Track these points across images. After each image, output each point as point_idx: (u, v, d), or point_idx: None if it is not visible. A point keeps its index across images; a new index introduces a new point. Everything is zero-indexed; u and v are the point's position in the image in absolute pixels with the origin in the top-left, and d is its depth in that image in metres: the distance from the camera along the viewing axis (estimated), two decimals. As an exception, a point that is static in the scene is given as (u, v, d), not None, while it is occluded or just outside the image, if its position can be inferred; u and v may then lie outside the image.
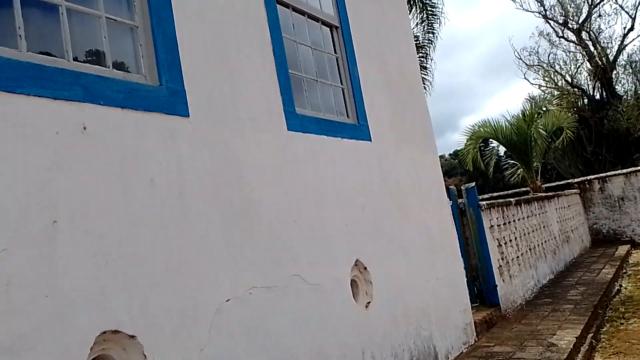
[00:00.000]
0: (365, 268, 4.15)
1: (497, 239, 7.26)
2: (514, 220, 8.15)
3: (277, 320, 3.17)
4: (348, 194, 4.17)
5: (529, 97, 25.34)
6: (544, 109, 16.80)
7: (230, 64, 3.35)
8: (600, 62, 29.40)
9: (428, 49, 13.28)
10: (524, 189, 14.83)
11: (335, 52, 4.62)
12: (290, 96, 3.77)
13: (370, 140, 4.66)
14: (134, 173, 2.57)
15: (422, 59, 12.94)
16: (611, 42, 29.88)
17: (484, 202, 7.10)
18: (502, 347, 5.35)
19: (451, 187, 7.05)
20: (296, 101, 3.88)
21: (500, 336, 5.79)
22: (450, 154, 47.45)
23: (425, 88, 13.00)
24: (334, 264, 3.80)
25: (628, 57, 29.97)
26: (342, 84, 4.59)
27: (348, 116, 4.55)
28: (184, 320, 2.59)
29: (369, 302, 4.10)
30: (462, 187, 7.00)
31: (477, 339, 5.72)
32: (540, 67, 30.81)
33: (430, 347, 4.74)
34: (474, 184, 6.98)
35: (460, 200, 7.03)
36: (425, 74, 13.07)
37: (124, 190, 2.49)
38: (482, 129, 14.21)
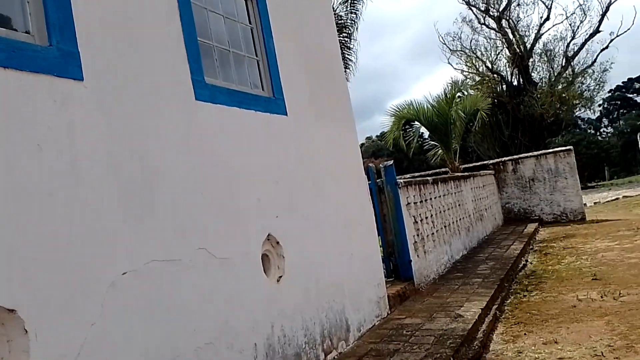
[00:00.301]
0: (277, 242, 4.13)
1: (414, 216, 7.46)
2: (431, 199, 8.41)
3: (180, 295, 3.08)
4: (261, 168, 4.11)
5: (452, 81, 26.21)
6: (465, 92, 17.41)
7: (132, 28, 3.17)
8: (518, 50, 30.85)
9: (351, 29, 13.34)
10: (444, 170, 15.37)
11: (250, 23, 4.50)
12: (199, 65, 3.63)
13: (286, 115, 4.61)
14: (17, 138, 2.38)
15: (345, 39, 12.99)
16: (528, 31, 31.44)
17: (401, 180, 7.26)
18: (413, 319, 5.53)
19: (370, 164, 7.15)
20: (206, 70, 3.75)
21: (411, 309, 5.99)
22: (377, 136, 48.44)
23: (348, 68, 13.09)
24: (244, 238, 3.75)
25: (544, 45, 31.69)
26: (257, 56, 4.49)
27: (263, 89, 4.47)
28: (73, 294, 2.45)
29: (280, 277, 4.09)
30: (380, 165, 7.12)
31: (390, 312, 5.88)
32: (463, 53, 31.94)
33: (342, 320, 4.81)
34: (392, 162, 7.11)
35: (379, 179, 7.15)
36: (349, 54, 13.16)
37: (5, 155, 2.31)
38: (405, 110, 14.52)
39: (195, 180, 3.39)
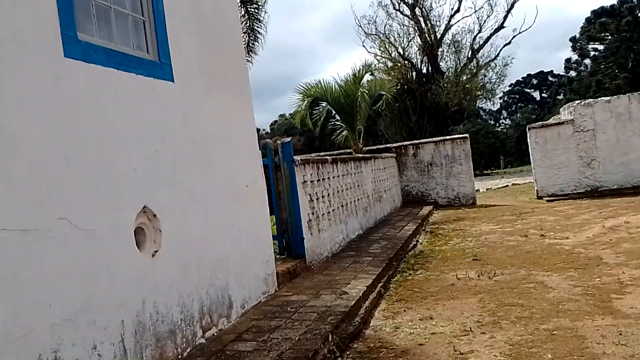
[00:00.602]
0: (154, 215, 3.93)
1: (310, 195, 7.48)
2: (329, 178, 8.47)
3: (34, 268, 2.83)
4: (139, 136, 3.87)
5: (362, 63, 26.64)
6: (375, 76, 17.70)
7: (-14, -31, 2.82)
8: (429, 39, 31.84)
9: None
10: (349, 150, 15.60)
11: (137, -20, 4.20)
12: (72, 19, 3.32)
13: (173, 81, 4.37)
14: None
15: (255, 10, 12.70)
16: (439, 21, 32.52)
17: (298, 158, 7.23)
18: (299, 296, 5.56)
19: (268, 141, 7.05)
20: (80, 26, 3.44)
21: (300, 286, 6.01)
22: (290, 114, 48.33)
23: (257, 41, 12.83)
24: (115, 209, 3.52)
25: (452, 36, 32.99)
26: (143, 16, 4.21)
27: (148, 52, 4.20)
28: None
29: (156, 251, 3.90)
30: (277, 142, 7.03)
31: (277, 289, 5.86)
32: (377, 37, 32.47)
33: (224, 297, 4.72)
34: (289, 139, 7.06)
35: (276, 156, 7.07)
36: (258, 26, 12.90)
37: None
38: (313, 89, 14.51)
39: (58, 145, 3.11)
